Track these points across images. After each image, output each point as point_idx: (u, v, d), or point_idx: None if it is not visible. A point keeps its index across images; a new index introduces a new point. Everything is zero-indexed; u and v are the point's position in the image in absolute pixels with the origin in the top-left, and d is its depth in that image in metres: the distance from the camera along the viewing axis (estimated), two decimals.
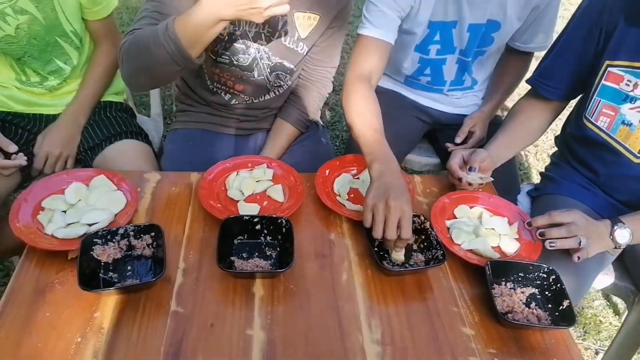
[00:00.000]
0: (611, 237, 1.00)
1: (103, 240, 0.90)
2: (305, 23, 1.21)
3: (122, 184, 1.03)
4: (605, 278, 1.21)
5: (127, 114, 1.45)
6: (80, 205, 0.98)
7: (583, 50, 1.13)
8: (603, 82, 1.10)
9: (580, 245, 0.96)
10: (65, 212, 0.97)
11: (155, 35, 0.96)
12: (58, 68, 1.32)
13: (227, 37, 1.17)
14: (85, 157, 1.33)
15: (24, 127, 1.35)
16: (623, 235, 1.00)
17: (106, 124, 1.36)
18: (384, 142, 1.05)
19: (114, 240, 0.90)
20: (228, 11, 0.90)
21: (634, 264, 1.18)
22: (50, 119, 1.36)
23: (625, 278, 1.22)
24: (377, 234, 0.91)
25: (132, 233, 0.92)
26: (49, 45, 1.27)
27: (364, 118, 1.11)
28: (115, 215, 0.97)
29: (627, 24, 1.04)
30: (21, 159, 1.21)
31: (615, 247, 1.02)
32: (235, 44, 1.19)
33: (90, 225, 0.94)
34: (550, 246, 0.96)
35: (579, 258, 0.97)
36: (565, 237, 0.96)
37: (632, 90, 1.06)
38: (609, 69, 1.09)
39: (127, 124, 1.38)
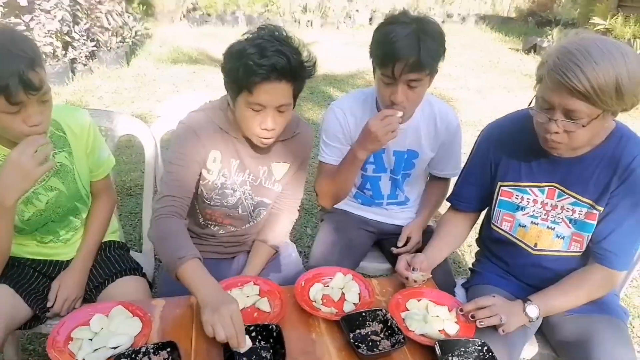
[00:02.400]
0: (524, 312, 1.32)
1: (128, 359, 1.08)
2: (279, 169, 1.56)
3: (136, 311, 1.24)
4: (531, 348, 1.49)
5: (124, 251, 1.65)
6: (103, 333, 1.16)
7: (481, 176, 1.52)
8: (500, 197, 1.48)
9: (501, 321, 1.26)
10: (91, 339, 1.15)
11: (167, 260, 1.25)
12: (71, 224, 1.53)
13: (219, 186, 1.49)
14: (90, 295, 1.50)
15: (39, 271, 1.51)
16: (532, 310, 1.32)
17: (107, 264, 1.56)
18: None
19: (137, 358, 1.09)
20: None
21: (550, 334, 1.47)
22: (63, 264, 1.54)
23: (547, 347, 1.50)
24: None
25: (152, 350, 1.11)
26: (69, 210, 1.49)
27: None
28: (135, 338, 1.16)
29: (507, 157, 1.45)
30: None
31: (530, 320, 1.33)
32: (225, 190, 1.50)
33: (114, 348, 1.12)
34: (480, 324, 1.26)
35: (503, 331, 1.27)
36: (489, 317, 1.26)
37: (520, 202, 1.45)
38: (502, 188, 1.47)
39: (124, 261, 1.58)
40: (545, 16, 10.34)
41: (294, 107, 1.41)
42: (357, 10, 10.10)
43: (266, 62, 1.24)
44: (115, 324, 1.19)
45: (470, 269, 1.71)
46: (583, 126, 1.18)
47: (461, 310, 1.30)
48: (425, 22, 1.47)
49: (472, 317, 1.27)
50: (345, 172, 1.65)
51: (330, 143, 1.73)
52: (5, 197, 1.20)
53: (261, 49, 1.26)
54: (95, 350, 1.12)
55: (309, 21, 9.57)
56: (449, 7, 11.29)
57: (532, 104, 1.28)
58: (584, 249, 1.39)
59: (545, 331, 1.49)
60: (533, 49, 8.24)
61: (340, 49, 7.77)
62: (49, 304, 1.44)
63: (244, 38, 1.32)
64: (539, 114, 1.25)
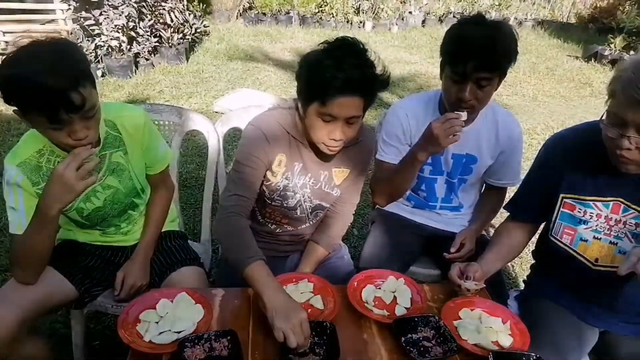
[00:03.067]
0: None
1: (192, 343, 1.15)
2: (340, 175, 1.59)
3: (199, 298, 1.30)
4: None
5: (183, 240, 1.74)
6: (168, 317, 1.23)
7: (543, 186, 1.49)
8: (562, 209, 1.45)
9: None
10: (157, 322, 1.22)
11: (235, 258, 1.30)
12: (130, 217, 1.62)
13: (282, 188, 1.53)
14: (153, 283, 1.59)
15: (99, 255, 1.62)
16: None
17: (168, 254, 1.64)
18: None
19: (199, 343, 1.15)
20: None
21: (607, 354, 1.43)
22: (125, 250, 1.64)
23: None
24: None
25: (213, 337, 1.17)
26: (127, 205, 1.57)
27: None
28: (197, 324, 1.22)
29: (572, 169, 1.42)
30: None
31: None
32: (287, 192, 1.55)
33: (178, 332, 1.19)
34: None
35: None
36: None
37: (583, 216, 1.41)
38: (565, 200, 1.44)
39: (184, 251, 1.66)
40: (607, 23, 9.86)
41: (362, 118, 1.43)
42: (410, 12, 9.99)
43: (342, 76, 1.25)
44: (180, 309, 1.26)
45: (524, 281, 1.69)
46: None
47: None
48: (501, 24, 1.50)
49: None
50: (403, 172, 1.67)
51: (389, 142, 1.75)
52: (49, 208, 1.23)
53: (338, 62, 1.26)
54: (161, 333, 1.19)
55: (361, 22, 9.56)
56: (505, 11, 10.97)
57: (604, 118, 1.25)
58: None
59: (601, 350, 1.45)
60: (594, 57, 7.89)
61: (392, 51, 7.72)
62: (115, 293, 1.54)
63: (320, 48, 1.34)
64: (610, 129, 1.22)
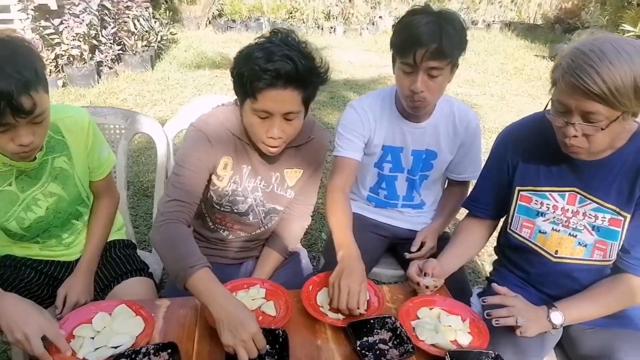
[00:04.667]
0: (548, 319, 1.25)
1: (129, 359, 1.06)
2: (292, 176, 1.51)
3: (139, 310, 1.22)
4: None
5: (130, 249, 1.63)
6: (105, 332, 1.15)
7: (498, 180, 1.47)
8: (519, 202, 1.42)
9: (517, 323, 1.21)
10: (93, 338, 1.13)
11: (175, 268, 1.18)
12: (73, 227, 1.51)
13: (230, 193, 1.45)
14: (96, 298, 1.48)
15: (41, 270, 1.50)
16: (557, 317, 1.26)
17: (112, 265, 1.53)
18: (349, 235, 1.42)
19: (137, 358, 1.07)
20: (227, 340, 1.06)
21: (571, 349, 1.40)
22: (66, 264, 1.53)
23: None
24: (337, 304, 1.20)
25: (152, 351, 1.09)
26: (71, 214, 1.47)
27: (339, 220, 1.51)
28: (136, 338, 1.14)
29: (525, 161, 1.40)
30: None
31: (553, 327, 1.26)
32: (236, 197, 1.46)
33: (115, 347, 1.10)
34: (495, 323, 1.23)
35: (520, 333, 1.23)
36: (505, 317, 1.22)
37: (540, 207, 1.38)
38: (521, 192, 1.41)
39: (130, 262, 1.55)
40: (572, 23, 10.10)
41: (305, 114, 1.36)
42: (380, 17, 10.07)
43: (271, 67, 1.19)
44: (118, 323, 1.18)
45: (487, 278, 1.65)
46: (602, 129, 1.12)
47: (484, 301, 1.29)
48: (447, 13, 1.47)
49: (488, 315, 1.24)
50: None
51: (346, 135, 1.67)
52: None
53: (268, 54, 1.20)
54: (97, 349, 1.11)
55: (332, 27, 9.57)
56: (473, 14, 11.14)
57: (549, 107, 1.22)
58: (607, 257, 1.32)
59: (565, 345, 1.42)
60: (558, 53, 8.03)
61: (362, 55, 7.74)
62: (57, 312, 1.41)
63: (254, 42, 1.28)
64: (555, 118, 1.19)
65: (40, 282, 1.48)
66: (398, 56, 1.50)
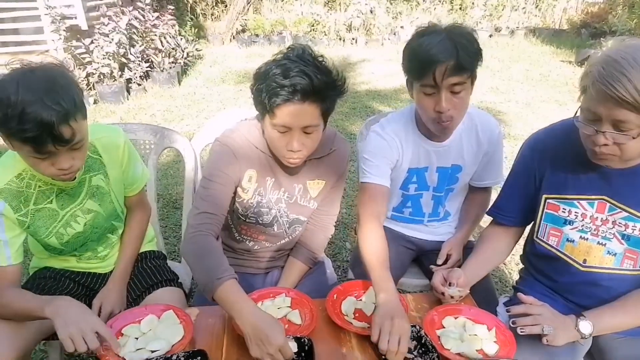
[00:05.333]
0: (576, 328, 1.24)
1: None
2: (315, 187, 1.54)
3: (184, 317, 1.26)
4: None
5: (160, 260, 1.68)
6: (149, 334, 1.21)
7: (525, 187, 1.45)
8: (546, 210, 1.41)
9: (543, 331, 1.20)
10: (137, 338, 1.20)
11: (203, 279, 1.22)
12: (109, 241, 1.57)
13: (255, 205, 1.49)
14: (129, 306, 1.52)
15: (78, 281, 1.56)
16: (585, 327, 1.24)
17: (144, 276, 1.58)
18: (389, 277, 1.35)
19: None
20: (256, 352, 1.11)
21: (602, 358, 1.37)
22: (101, 276, 1.58)
23: None
24: (383, 345, 1.14)
25: (182, 359, 1.13)
26: (107, 229, 1.53)
27: (375, 254, 1.43)
28: (172, 346, 1.18)
29: (553, 168, 1.38)
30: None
31: (582, 337, 1.25)
32: (261, 209, 1.50)
33: (153, 351, 1.16)
34: (520, 332, 1.22)
35: (547, 341, 1.21)
36: (531, 325, 1.21)
37: (568, 216, 1.37)
38: (548, 200, 1.40)
39: (161, 272, 1.60)
40: (599, 27, 9.88)
41: (325, 126, 1.39)
42: (401, 27, 10.08)
43: (288, 83, 1.23)
44: (162, 327, 1.23)
45: (513, 287, 1.63)
46: (633, 138, 1.11)
47: (508, 311, 1.27)
48: (455, 27, 1.44)
49: (513, 323, 1.23)
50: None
51: (374, 161, 1.59)
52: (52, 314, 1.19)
53: (285, 70, 1.24)
54: (138, 349, 1.17)
55: (353, 39, 9.63)
56: (496, 21, 11.04)
57: (578, 115, 1.21)
58: (637, 266, 1.30)
59: (595, 354, 1.39)
60: (587, 60, 7.88)
61: (384, 65, 7.75)
62: None
63: (272, 59, 1.31)
64: (585, 126, 1.18)
65: (77, 292, 1.54)
66: (416, 80, 1.47)
